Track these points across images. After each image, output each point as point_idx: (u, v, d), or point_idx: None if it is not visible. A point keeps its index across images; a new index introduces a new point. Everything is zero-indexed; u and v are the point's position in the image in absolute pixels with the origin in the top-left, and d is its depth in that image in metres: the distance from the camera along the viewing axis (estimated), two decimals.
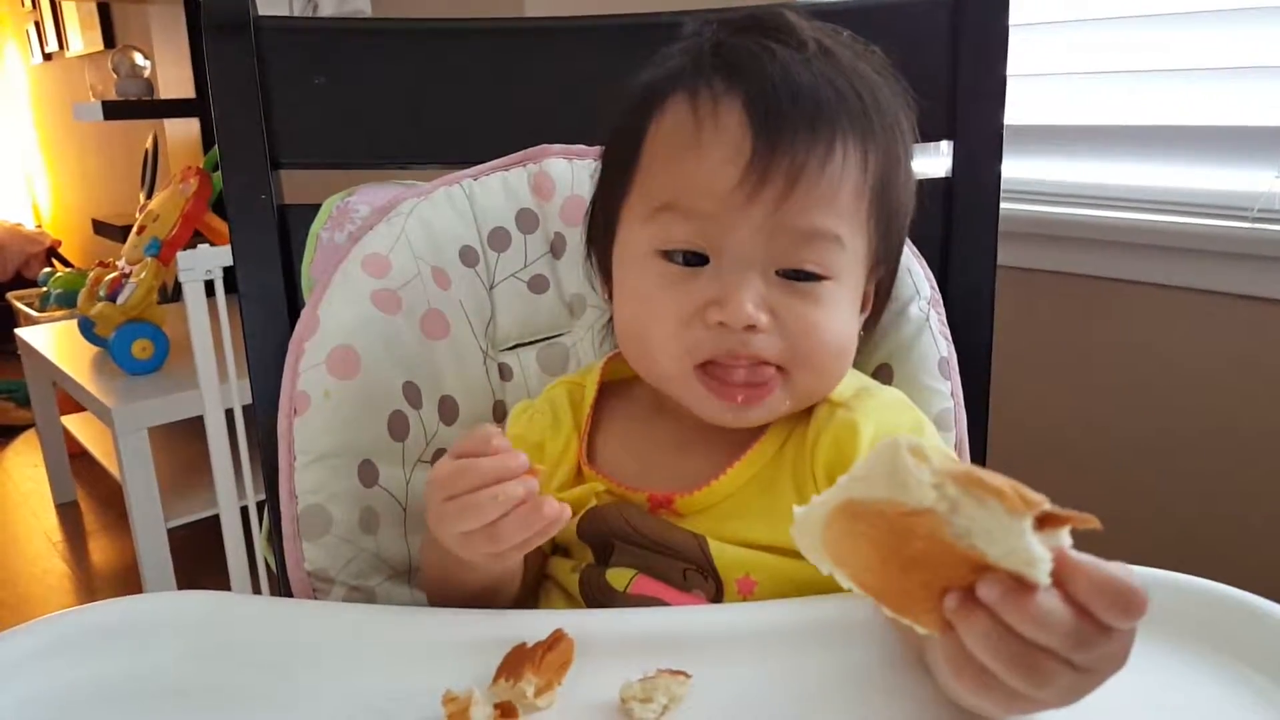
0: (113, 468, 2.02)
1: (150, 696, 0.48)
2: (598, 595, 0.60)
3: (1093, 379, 1.17)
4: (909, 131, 0.58)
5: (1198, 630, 0.49)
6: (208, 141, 2.85)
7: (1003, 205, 0.76)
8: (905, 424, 0.58)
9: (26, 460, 2.80)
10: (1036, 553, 0.34)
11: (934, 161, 0.80)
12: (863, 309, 0.62)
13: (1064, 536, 0.35)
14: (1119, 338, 1.14)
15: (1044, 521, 0.35)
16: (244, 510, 1.68)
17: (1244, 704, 0.45)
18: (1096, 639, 0.34)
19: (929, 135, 0.77)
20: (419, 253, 0.71)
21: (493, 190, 0.75)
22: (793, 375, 0.56)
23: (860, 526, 0.37)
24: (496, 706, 0.45)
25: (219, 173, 2.02)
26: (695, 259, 0.55)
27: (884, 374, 0.68)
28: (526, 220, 0.75)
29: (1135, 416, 1.14)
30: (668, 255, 0.56)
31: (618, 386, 0.66)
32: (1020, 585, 0.34)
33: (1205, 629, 0.49)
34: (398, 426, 0.68)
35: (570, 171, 0.76)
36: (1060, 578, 0.34)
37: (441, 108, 0.78)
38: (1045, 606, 0.34)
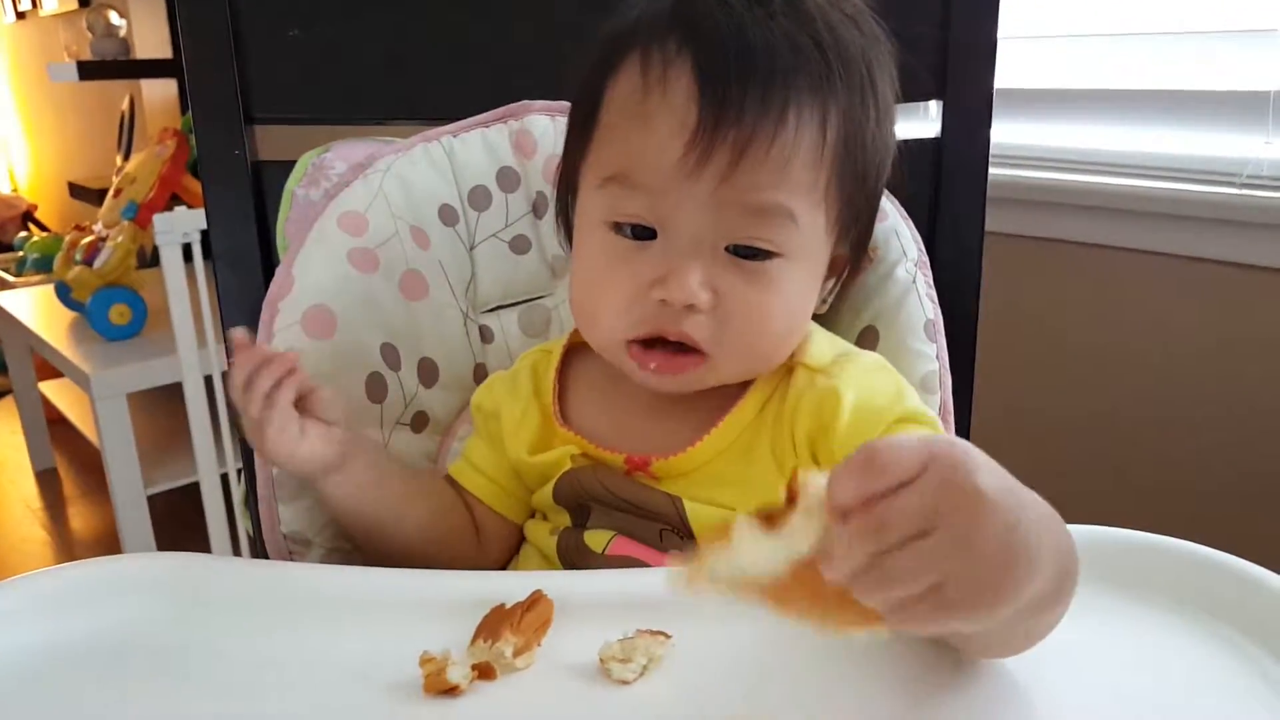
0: (91, 434, 2.00)
1: (127, 655, 0.48)
2: (575, 558, 0.59)
3: (1079, 346, 1.17)
4: (886, 81, 0.56)
5: (1183, 593, 0.49)
6: (185, 103, 2.80)
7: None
8: (885, 388, 0.57)
9: (4, 427, 2.77)
10: (796, 532, 0.34)
11: (922, 124, 0.78)
12: (833, 274, 0.60)
13: (804, 502, 0.35)
14: (1105, 304, 1.14)
15: (771, 519, 0.35)
16: (224, 478, 1.67)
17: (1231, 667, 0.45)
18: (891, 516, 0.32)
19: (918, 95, 0.76)
20: (397, 211, 0.69)
21: (473, 147, 0.73)
22: (716, 360, 0.55)
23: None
24: (474, 667, 0.45)
25: None
26: (644, 232, 0.54)
27: (870, 336, 0.67)
28: (507, 179, 0.74)
29: (1121, 384, 1.14)
30: (617, 227, 0.54)
31: (589, 350, 0.65)
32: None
33: (1190, 592, 0.49)
34: (375, 388, 0.67)
35: (553, 129, 0.74)
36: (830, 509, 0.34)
37: (420, 61, 0.76)
38: (841, 539, 0.33)
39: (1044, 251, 1.17)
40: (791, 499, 0.35)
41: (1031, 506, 0.35)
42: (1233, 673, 0.45)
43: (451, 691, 0.43)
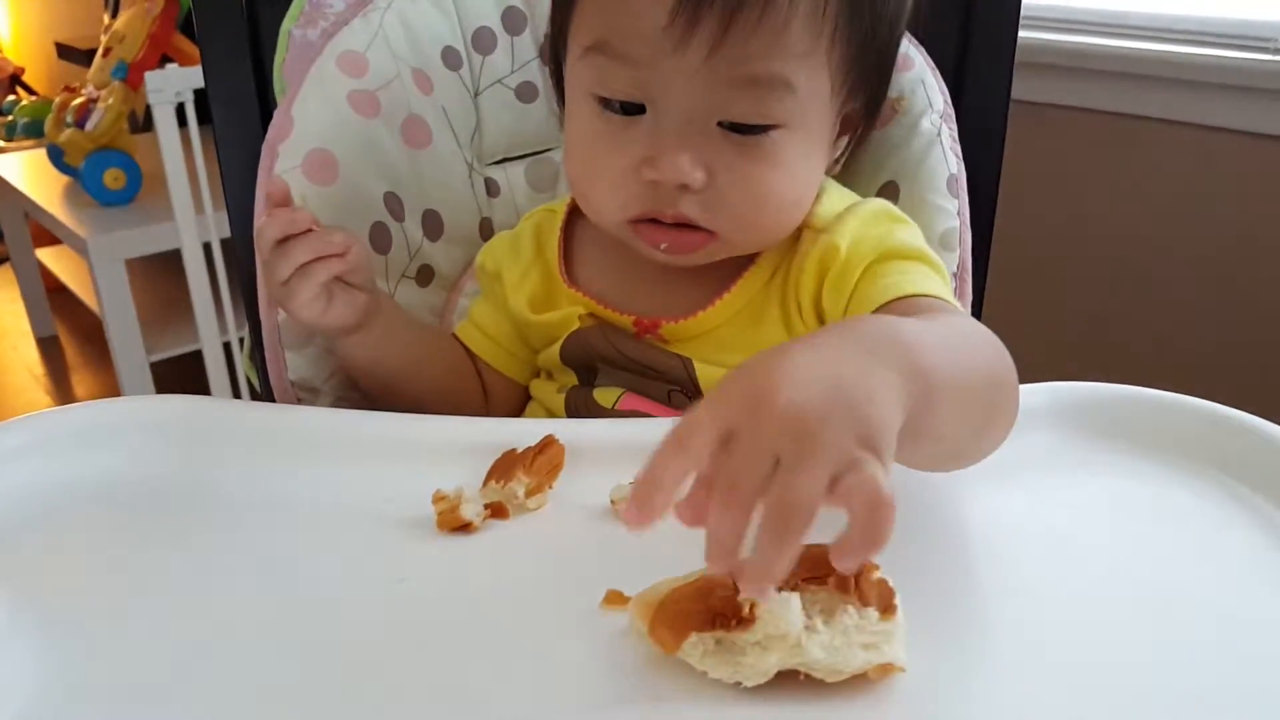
0: (91, 302, 1.98)
1: (132, 494, 0.48)
2: (584, 414, 0.59)
3: (1101, 217, 1.14)
4: None
5: (1194, 447, 0.49)
6: None
7: None
8: (875, 234, 0.54)
9: (3, 295, 2.76)
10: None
11: None
12: (846, 132, 0.57)
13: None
14: (1129, 175, 1.11)
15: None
16: (226, 346, 1.67)
17: (1221, 505, 0.46)
18: (734, 473, 0.33)
19: None
20: (398, 52, 0.66)
21: None
22: (724, 237, 0.53)
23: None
24: (487, 506, 0.45)
25: None
26: (633, 108, 0.51)
27: (890, 192, 0.65)
28: (513, 20, 0.70)
29: (1142, 254, 1.12)
30: (605, 102, 0.51)
31: None
32: None
33: (1190, 442, 0.50)
34: (380, 238, 0.65)
35: None
36: None
37: None
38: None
39: (1066, 121, 1.13)
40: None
41: (880, 350, 0.35)
42: (1242, 524, 0.45)
43: (465, 528, 0.44)
